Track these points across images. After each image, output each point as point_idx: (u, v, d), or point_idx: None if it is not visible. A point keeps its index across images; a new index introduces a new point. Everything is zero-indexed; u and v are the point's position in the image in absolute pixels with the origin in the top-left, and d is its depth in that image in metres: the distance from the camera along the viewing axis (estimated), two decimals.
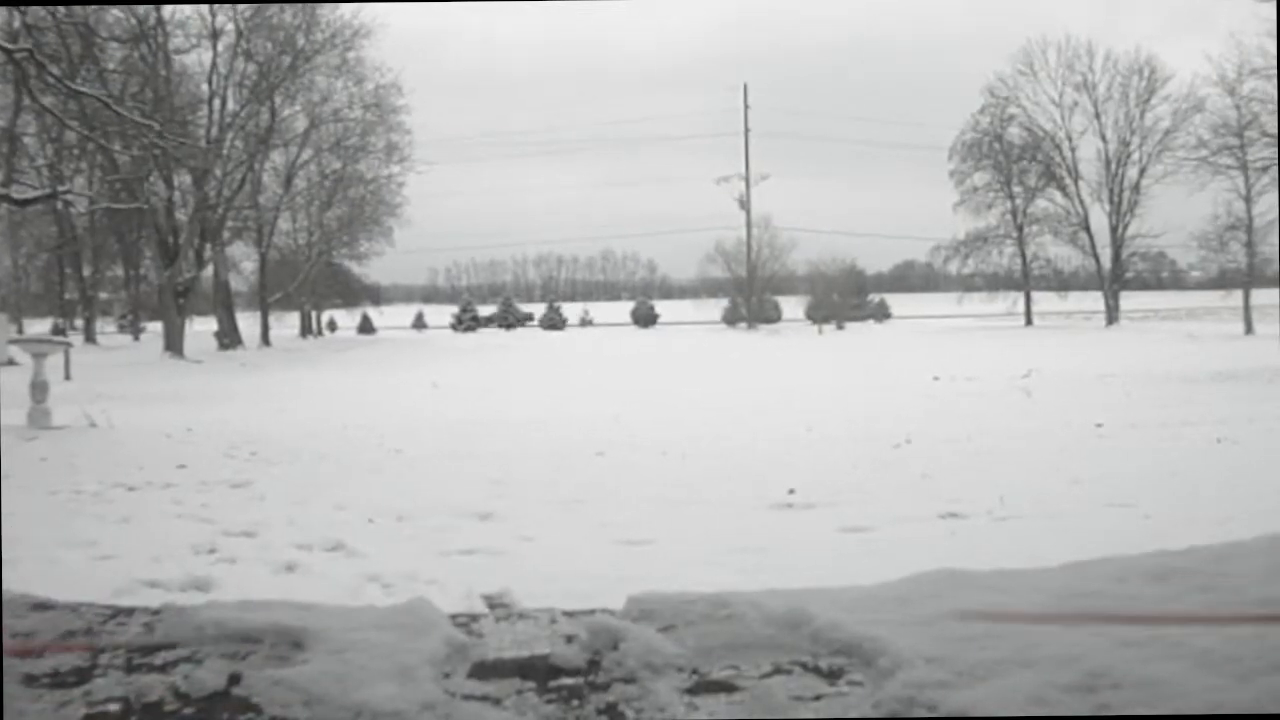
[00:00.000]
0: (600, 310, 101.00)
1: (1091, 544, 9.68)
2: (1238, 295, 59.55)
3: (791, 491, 12.87)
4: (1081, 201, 76.99)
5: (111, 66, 48.22)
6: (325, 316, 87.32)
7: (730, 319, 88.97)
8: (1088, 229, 76.66)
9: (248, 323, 66.88)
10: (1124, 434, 18.22)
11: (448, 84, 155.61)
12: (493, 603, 8.32)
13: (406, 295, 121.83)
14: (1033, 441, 17.61)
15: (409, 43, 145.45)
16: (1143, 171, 74.56)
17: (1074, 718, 3.90)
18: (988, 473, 14.27)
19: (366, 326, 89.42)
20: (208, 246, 59.41)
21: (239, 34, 56.09)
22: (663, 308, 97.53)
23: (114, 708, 4.40)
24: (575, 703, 4.34)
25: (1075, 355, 43.98)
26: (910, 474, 14.44)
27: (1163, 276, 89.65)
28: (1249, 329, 57.03)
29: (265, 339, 66.35)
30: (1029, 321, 79.34)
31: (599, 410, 24.63)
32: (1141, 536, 9.89)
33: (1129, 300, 77.68)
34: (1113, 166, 75.74)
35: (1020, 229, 79.77)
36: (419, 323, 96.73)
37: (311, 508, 12.49)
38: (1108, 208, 76.16)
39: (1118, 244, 75.80)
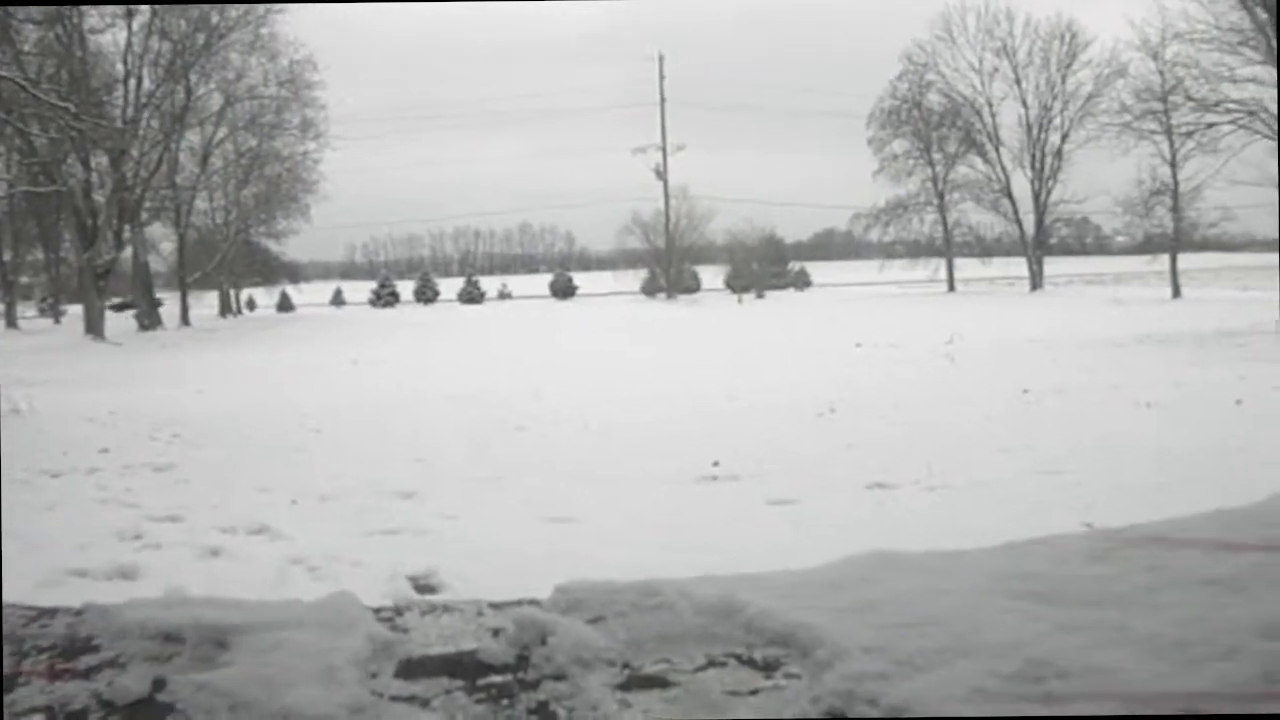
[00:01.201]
0: (518, 283, 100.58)
1: (1021, 513, 9.70)
2: (1164, 260, 59.93)
3: (716, 464, 12.78)
4: (1003, 168, 77.37)
5: (27, 48, 47.52)
6: (244, 295, 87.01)
7: (649, 290, 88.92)
8: (1010, 195, 76.95)
9: (167, 303, 66.43)
10: (1051, 399, 18.28)
11: (364, 59, 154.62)
12: (418, 584, 8.30)
13: (325, 272, 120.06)
14: (959, 409, 17.61)
15: (324, 18, 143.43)
16: (1065, 137, 74.98)
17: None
18: (914, 441, 14.26)
19: (285, 304, 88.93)
20: (126, 228, 58.42)
21: (153, 12, 55.27)
22: (581, 279, 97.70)
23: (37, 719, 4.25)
24: (505, 702, 4.21)
25: (999, 321, 43.94)
26: (835, 443, 14.40)
27: (1087, 242, 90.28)
28: (1176, 293, 57.34)
29: (185, 319, 65.78)
30: (951, 288, 79.47)
31: (519, 384, 24.47)
32: (1071, 504, 9.91)
33: (1053, 266, 78.03)
34: (1034, 132, 76.14)
35: (941, 196, 79.62)
36: (337, 299, 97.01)
37: (235, 490, 12.39)
38: (1030, 174, 76.51)
39: (1041, 210, 76.07)
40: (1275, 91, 31.49)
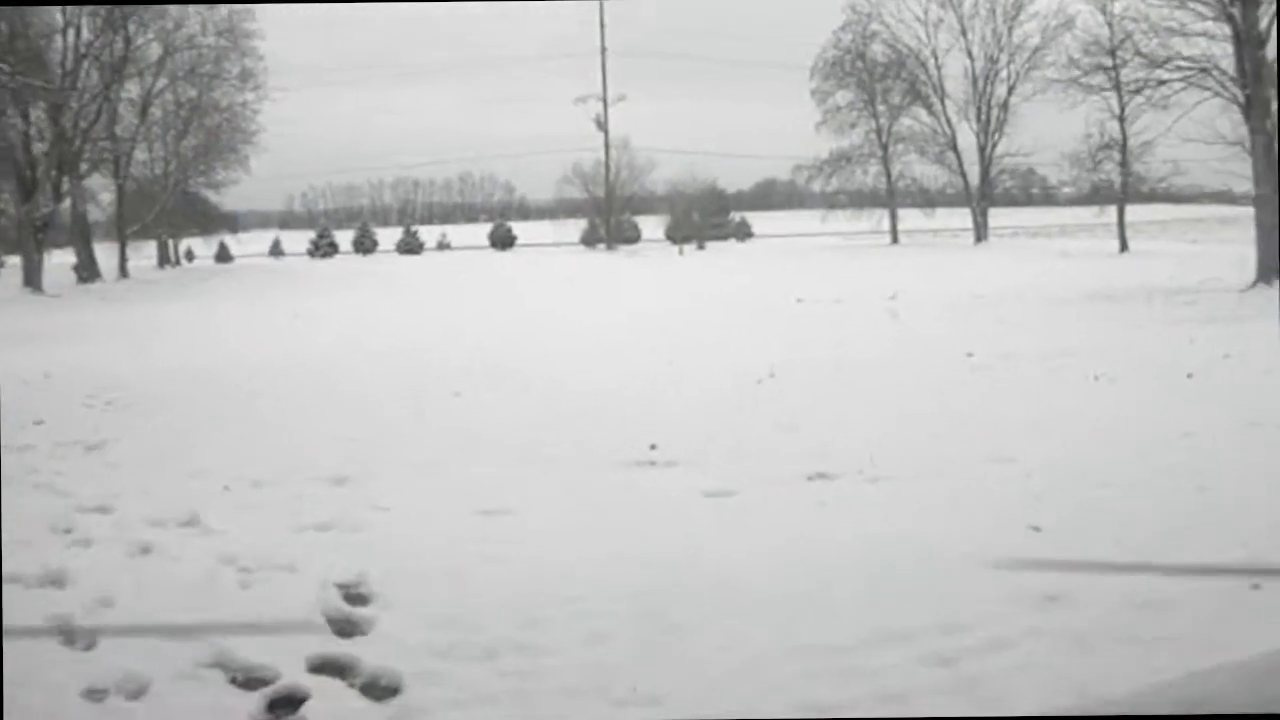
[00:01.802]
0: (458, 233, 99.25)
1: (972, 510, 8.96)
2: (1111, 212, 59.27)
3: (653, 447, 11.99)
4: (948, 120, 76.46)
5: None
6: (183, 246, 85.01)
7: (589, 240, 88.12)
8: (955, 148, 76.07)
9: (106, 254, 64.55)
10: (997, 366, 17.43)
11: (305, 11, 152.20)
12: (349, 593, 7.94)
13: (264, 221, 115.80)
14: (902, 374, 16.92)
15: None
16: (1011, 90, 74.12)
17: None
18: (857, 419, 13.47)
19: (224, 255, 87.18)
20: (65, 180, 57.56)
21: None
22: (521, 229, 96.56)
23: None
24: None
25: (943, 275, 43.26)
26: (776, 420, 13.57)
27: (1033, 193, 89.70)
28: (1124, 246, 56.91)
29: (123, 270, 64.16)
30: (895, 240, 78.45)
31: (457, 339, 23.86)
32: (1023, 501, 9.19)
33: (997, 217, 77.20)
34: (980, 85, 75.28)
35: (885, 148, 78.59)
36: (276, 250, 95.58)
37: (167, 473, 11.72)
38: (975, 126, 75.68)
39: (986, 162, 75.31)
40: (1230, 48, 30.78)
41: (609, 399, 15.58)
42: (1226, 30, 30.73)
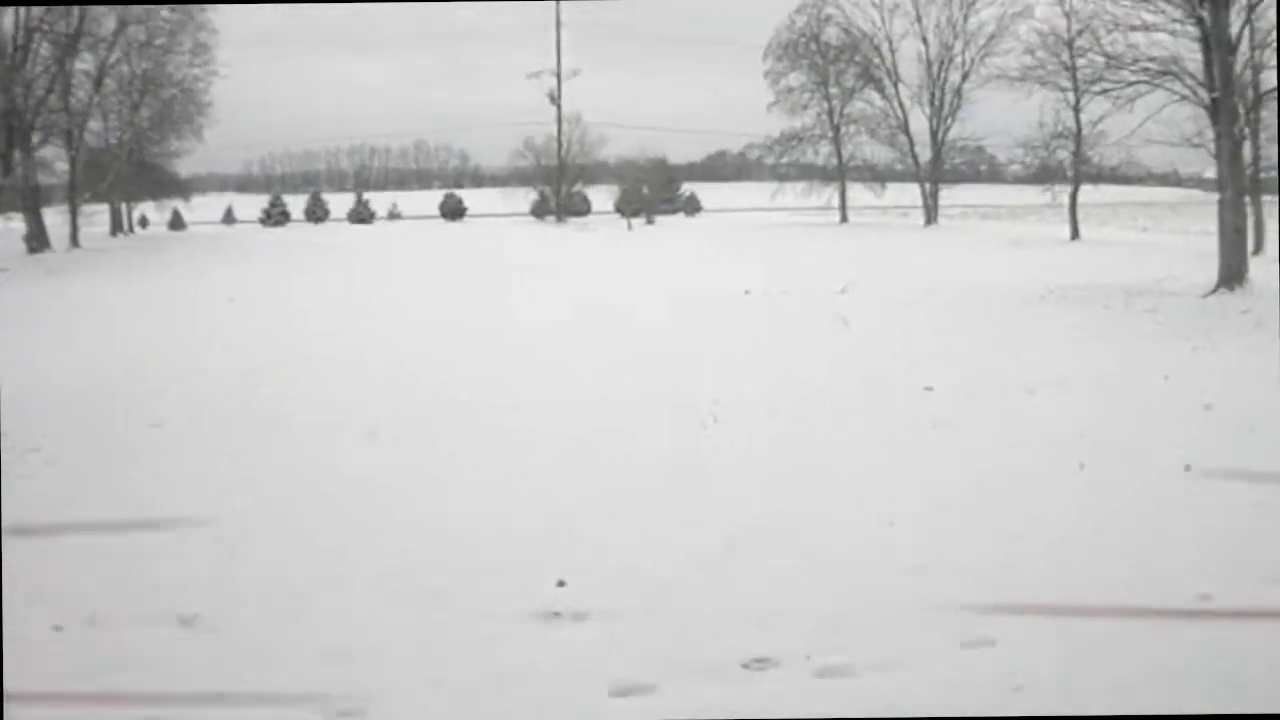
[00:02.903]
0: (411, 201, 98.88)
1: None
2: (1059, 191, 59.15)
3: (561, 584, 8.81)
4: (901, 104, 76.12)
5: None
6: (136, 213, 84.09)
7: (539, 212, 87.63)
8: (907, 131, 75.74)
9: (62, 220, 63.75)
10: (958, 407, 15.43)
11: None
12: None
13: (222, 184, 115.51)
14: (849, 424, 14.60)
15: None
16: (965, 76, 73.23)
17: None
18: (796, 520, 10.40)
19: (177, 222, 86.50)
20: (16, 152, 56.93)
21: None
22: (474, 197, 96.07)
23: None
24: None
25: (894, 262, 42.62)
26: (715, 528, 10.12)
27: (981, 169, 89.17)
28: (1075, 234, 56.45)
29: (74, 240, 63.10)
30: (844, 218, 78.06)
31: (385, 346, 22.50)
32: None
33: (947, 195, 76.50)
34: (934, 70, 74.48)
35: (836, 129, 78.76)
36: (229, 218, 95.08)
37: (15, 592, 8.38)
38: (928, 111, 75.03)
39: (938, 146, 74.75)
40: (1199, 52, 29.91)
41: (517, 457, 13.06)
42: (1193, 30, 29.79)
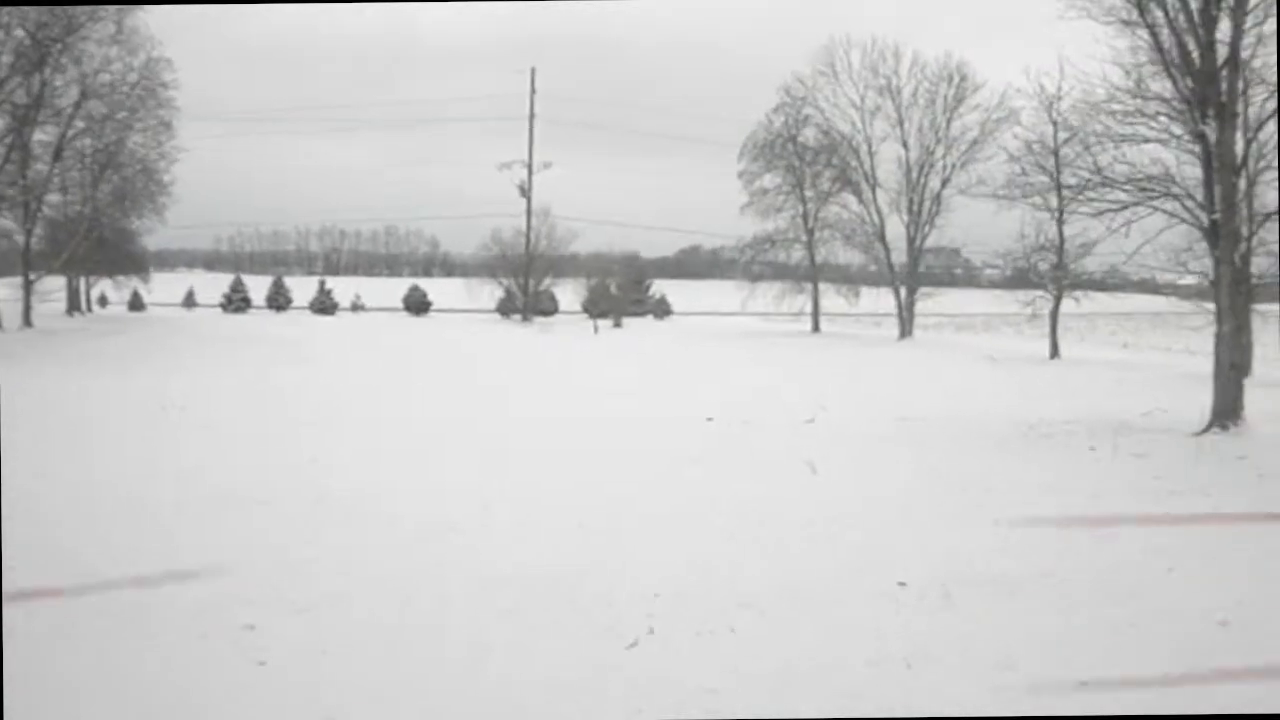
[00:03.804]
0: (376, 290, 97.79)
1: None
2: (1040, 306, 57.06)
3: None
4: (878, 209, 75.03)
5: None
6: (96, 290, 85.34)
7: (505, 309, 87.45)
8: (883, 239, 74.63)
9: (16, 293, 64.39)
10: (939, 627, 12.37)
11: (233, 55, 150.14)
12: None
13: (189, 260, 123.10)
14: (804, 668, 11.34)
15: (192, 16, 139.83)
16: (945, 182, 72.35)
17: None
18: None
19: (136, 303, 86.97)
20: None
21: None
22: (441, 288, 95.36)
23: None
24: None
25: (868, 383, 41.09)
26: None
27: (956, 273, 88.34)
28: (1055, 352, 55.02)
29: (27, 319, 63.31)
30: (816, 327, 77.07)
31: (307, 486, 19.61)
32: None
33: (922, 304, 74.77)
34: (914, 175, 73.45)
35: (811, 233, 77.84)
36: (189, 301, 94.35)
37: None
38: (906, 217, 73.85)
39: (915, 254, 73.69)
40: (1196, 169, 27.87)
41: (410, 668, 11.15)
42: (1192, 147, 27.72)
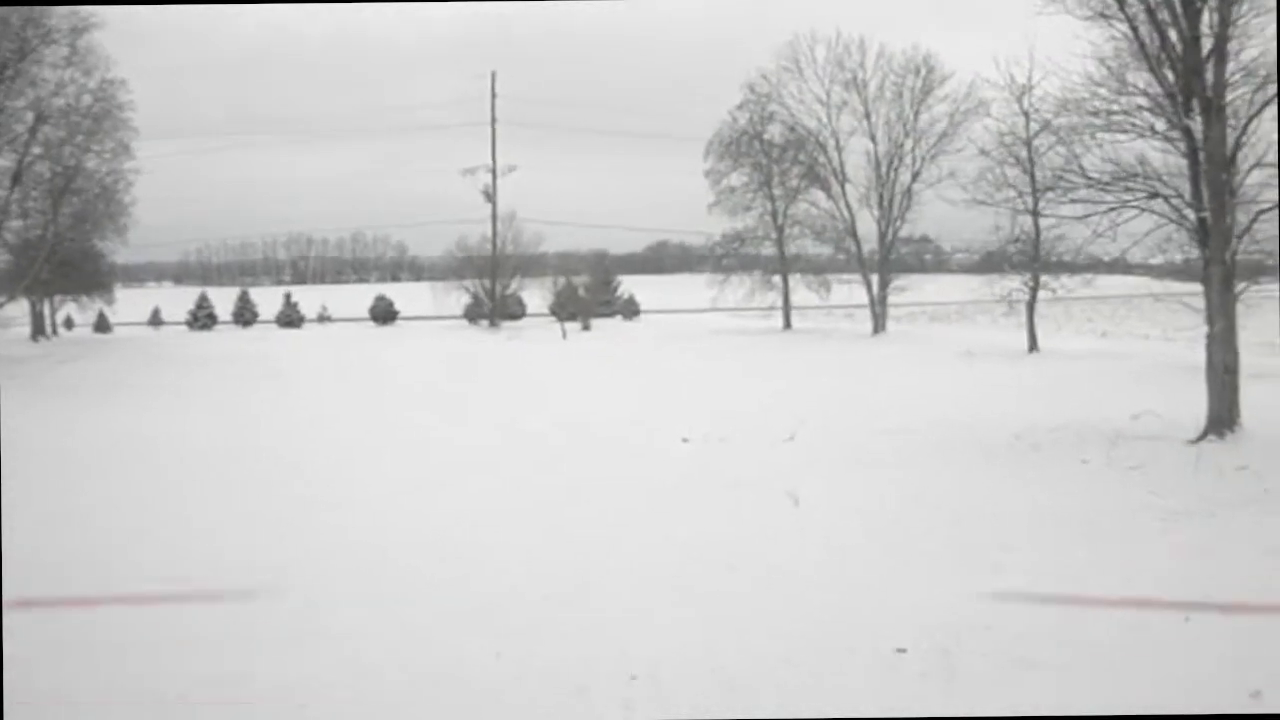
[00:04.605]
0: (342, 300, 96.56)
1: None
2: (1016, 300, 56.21)
3: None
4: (848, 205, 74.45)
5: None
6: (61, 313, 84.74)
7: (472, 315, 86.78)
8: (854, 234, 73.97)
9: None
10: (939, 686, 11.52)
11: (196, 66, 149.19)
12: None
13: (158, 273, 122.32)
14: None
15: (153, 27, 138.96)
16: (915, 175, 71.76)
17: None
18: None
19: (102, 324, 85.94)
20: None
21: None
22: (408, 294, 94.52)
23: None
24: None
25: (845, 390, 39.97)
26: None
27: (926, 259, 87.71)
28: (1033, 345, 54.39)
29: None
30: (788, 323, 76.74)
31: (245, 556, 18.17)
32: None
33: (894, 295, 73.86)
34: (883, 169, 72.79)
35: (780, 230, 77.24)
36: (155, 320, 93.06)
37: None
38: (876, 212, 73.18)
39: (886, 249, 72.91)
40: (1185, 168, 26.82)
41: None
42: (1184, 144, 26.58)
